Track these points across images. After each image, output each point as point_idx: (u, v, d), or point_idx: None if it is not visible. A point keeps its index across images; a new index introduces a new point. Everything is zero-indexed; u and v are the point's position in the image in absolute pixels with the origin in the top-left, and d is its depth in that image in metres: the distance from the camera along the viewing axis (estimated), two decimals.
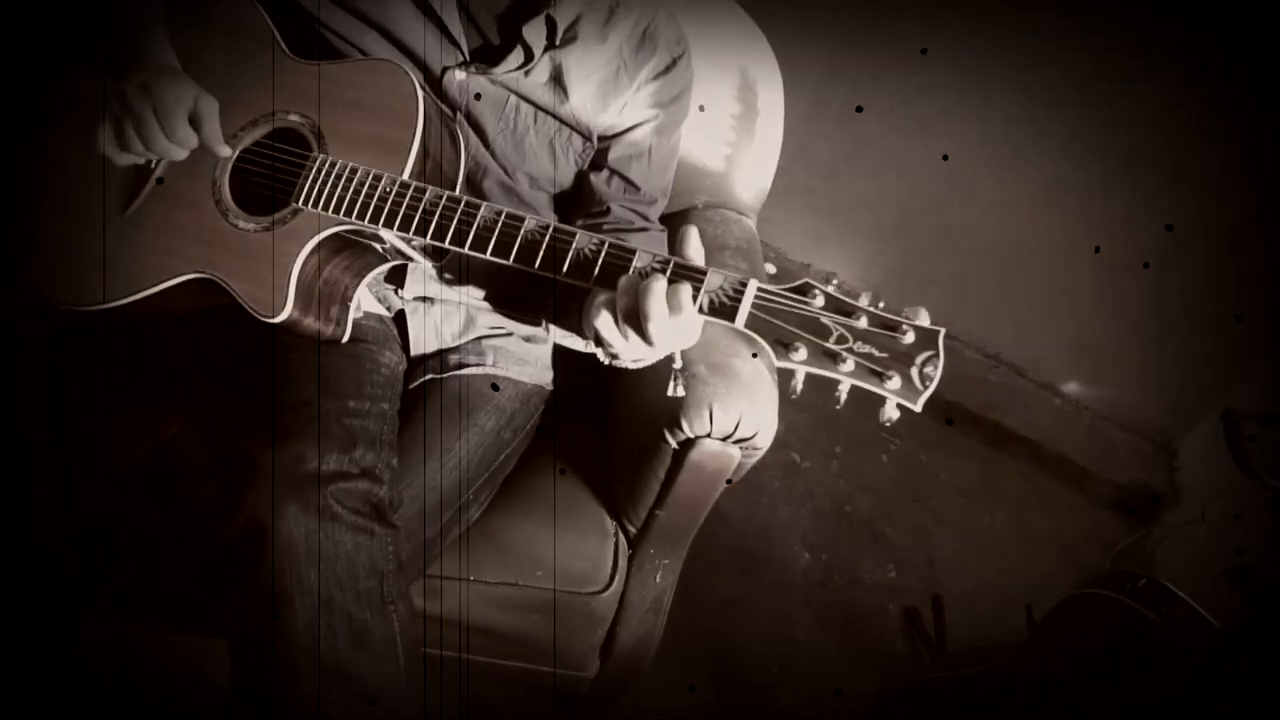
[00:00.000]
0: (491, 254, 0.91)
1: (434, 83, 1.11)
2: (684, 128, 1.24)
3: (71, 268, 1.07)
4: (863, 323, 0.79)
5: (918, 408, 0.79)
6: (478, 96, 1.11)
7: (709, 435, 1.11)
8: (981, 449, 2.41)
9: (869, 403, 0.81)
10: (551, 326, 1.23)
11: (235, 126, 1.06)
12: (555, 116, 1.14)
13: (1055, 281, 2.37)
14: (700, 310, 0.81)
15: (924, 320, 0.79)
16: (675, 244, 0.85)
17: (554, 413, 1.29)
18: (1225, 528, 2.10)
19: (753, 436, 1.12)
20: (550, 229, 0.89)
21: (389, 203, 0.96)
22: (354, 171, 0.98)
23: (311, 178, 1.00)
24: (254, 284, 1.00)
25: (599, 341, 0.90)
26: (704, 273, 0.82)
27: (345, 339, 1.08)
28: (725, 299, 0.82)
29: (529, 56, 1.10)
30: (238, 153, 1.05)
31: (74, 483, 1.08)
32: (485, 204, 0.92)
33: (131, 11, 1.08)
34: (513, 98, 1.12)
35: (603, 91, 1.14)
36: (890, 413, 0.79)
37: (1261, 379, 2.27)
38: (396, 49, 1.10)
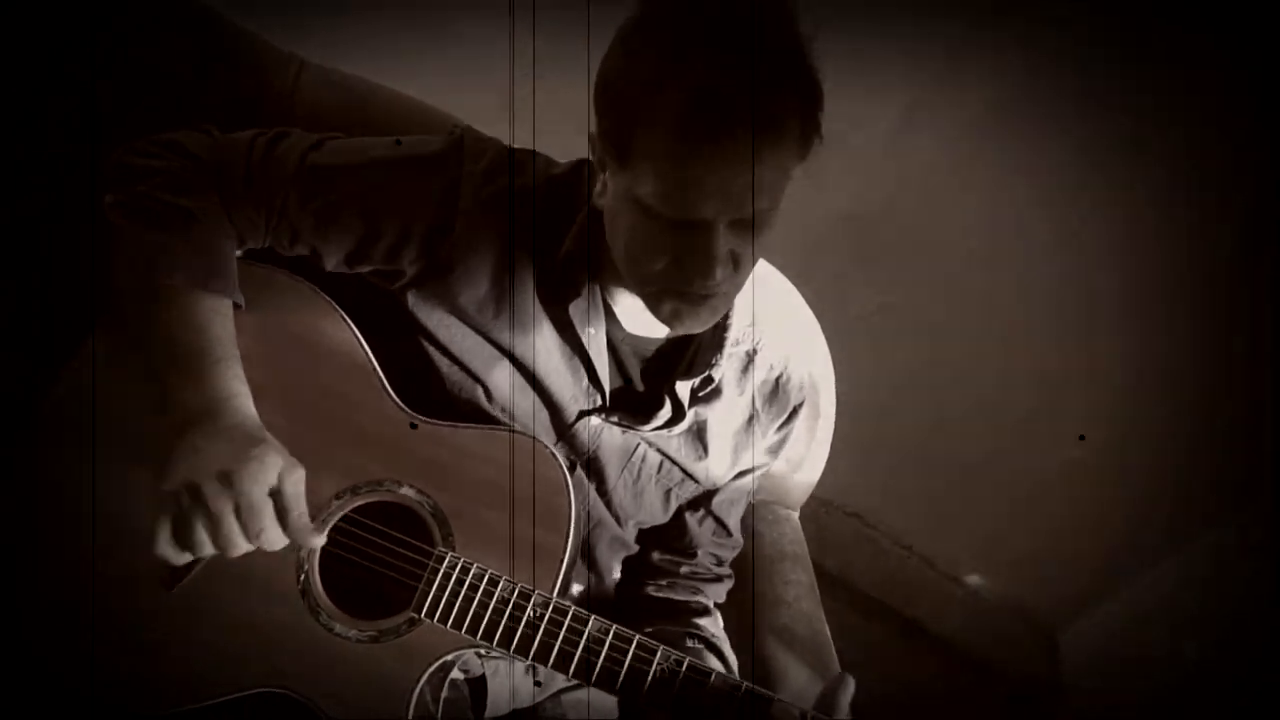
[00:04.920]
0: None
1: (561, 427, 0.98)
2: None
3: (112, 664, 0.84)
4: None
5: None
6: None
7: None
8: (897, 647, 2.48)
9: None
10: None
11: (324, 494, 0.88)
12: (686, 471, 1.03)
13: (974, 476, 2.48)
14: None
15: None
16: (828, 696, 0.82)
17: None
18: None
19: None
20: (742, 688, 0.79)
21: (540, 632, 0.82)
22: (493, 584, 0.83)
23: (439, 584, 0.84)
24: (352, 712, 0.82)
25: None
26: None
27: None
28: None
29: (679, 414, 0.99)
30: (327, 532, 0.87)
31: None
32: (662, 649, 0.81)
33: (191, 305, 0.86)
34: (643, 445, 1.01)
35: (734, 444, 1.05)
36: None
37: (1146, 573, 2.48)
38: (530, 385, 0.95)
